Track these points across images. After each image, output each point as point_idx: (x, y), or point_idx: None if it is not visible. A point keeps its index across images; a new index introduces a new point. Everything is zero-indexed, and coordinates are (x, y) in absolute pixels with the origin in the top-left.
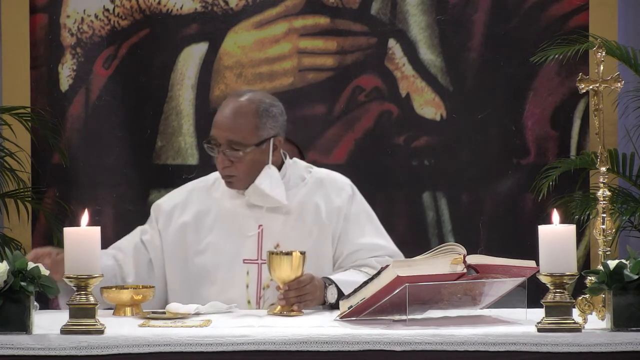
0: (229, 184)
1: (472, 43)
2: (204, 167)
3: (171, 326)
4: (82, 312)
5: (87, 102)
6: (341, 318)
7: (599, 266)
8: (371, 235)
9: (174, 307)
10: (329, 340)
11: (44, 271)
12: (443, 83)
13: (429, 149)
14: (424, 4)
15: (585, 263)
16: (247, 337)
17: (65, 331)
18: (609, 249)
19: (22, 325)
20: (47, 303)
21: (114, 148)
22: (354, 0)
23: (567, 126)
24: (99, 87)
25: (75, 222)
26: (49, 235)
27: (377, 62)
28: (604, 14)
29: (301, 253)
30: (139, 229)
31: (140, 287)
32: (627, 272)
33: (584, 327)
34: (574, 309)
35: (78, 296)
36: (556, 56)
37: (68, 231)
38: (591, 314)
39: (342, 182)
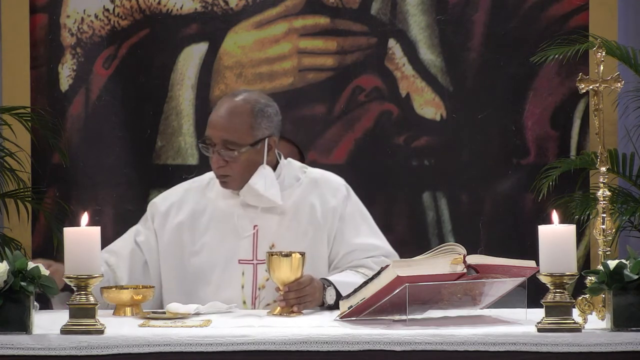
0: (224, 184)
1: (472, 43)
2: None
3: (171, 326)
4: (82, 312)
5: (87, 102)
6: (341, 318)
7: (599, 266)
8: (366, 236)
9: (174, 307)
10: (329, 340)
11: (44, 271)
12: (443, 83)
13: (429, 149)
14: (424, 4)
15: (585, 263)
16: (247, 337)
17: (65, 331)
18: (609, 249)
19: (22, 325)
20: (47, 303)
21: (114, 148)
22: (354, 0)
23: (567, 126)
24: (99, 87)
25: (75, 222)
26: (49, 235)
27: (377, 62)
28: (604, 14)
29: (301, 254)
30: (132, 230)
31: (140, 287)
32: (627, 272)
33: (584, 327)
34: (574, 309)
35: (78, 296)
36: (556, 56)
37: (68, 231)
38: (591, 314)
39: (336, 183)
